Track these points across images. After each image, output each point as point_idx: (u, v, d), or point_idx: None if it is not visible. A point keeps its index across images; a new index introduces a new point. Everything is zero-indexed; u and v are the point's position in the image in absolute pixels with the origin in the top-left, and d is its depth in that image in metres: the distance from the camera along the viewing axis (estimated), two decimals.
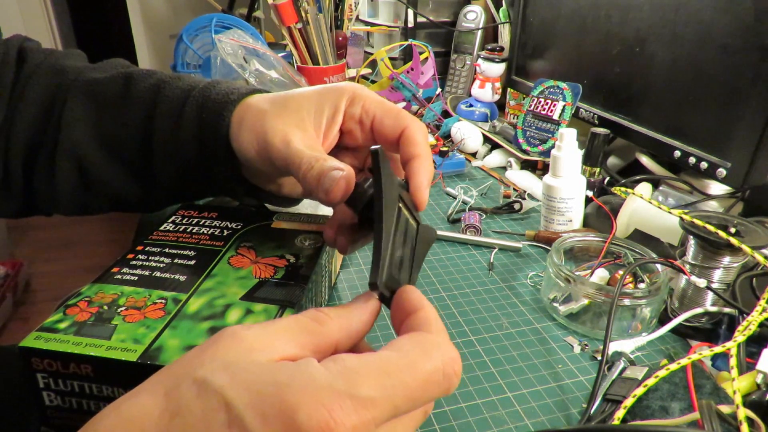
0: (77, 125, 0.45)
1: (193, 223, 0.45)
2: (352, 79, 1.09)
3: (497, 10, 1.06)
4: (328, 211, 0.49)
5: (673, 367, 0.38)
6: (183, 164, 0.44)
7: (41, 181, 0.46)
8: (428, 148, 0.37)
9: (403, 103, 0.95)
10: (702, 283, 0.45)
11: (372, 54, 1.09)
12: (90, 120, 0.45)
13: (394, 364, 0.22)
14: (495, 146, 0.87)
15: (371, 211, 0.30)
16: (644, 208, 0.58)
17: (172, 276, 0.37)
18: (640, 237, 0.57)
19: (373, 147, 0.29)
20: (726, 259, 0.45)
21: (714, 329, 0.46)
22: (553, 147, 0.63)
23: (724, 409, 0.34)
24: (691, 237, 0.46)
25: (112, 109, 0.45)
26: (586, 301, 0.48)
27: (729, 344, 0.38)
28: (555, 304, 0.50)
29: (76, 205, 0.48)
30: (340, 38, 1.00)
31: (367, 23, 1.22)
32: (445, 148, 0.84)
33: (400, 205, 0.31)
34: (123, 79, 0.46)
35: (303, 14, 0.91)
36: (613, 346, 0.44)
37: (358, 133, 0.40)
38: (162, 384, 0.22)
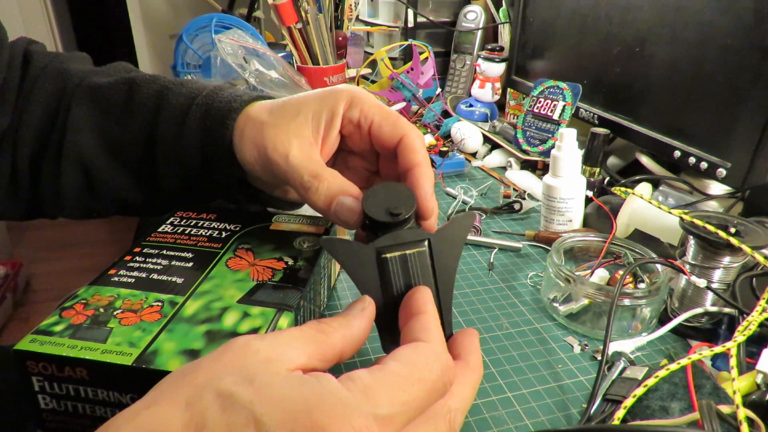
0: (82, 130, 0.45)
1: (192, 224, 0.45)
2: (352, 79, 1.09)
3: (497, 10, 1.06)
4: None
5: (673, 367, 0.38)
6: (187, 171, 0.44)
7: (47, 184, 0.46)
8: (427, 156, 0.37)
9: (403, 103, 0.95)
10: (702, 283, 0.45)
11: (372, 54, 1.09)
12: (95, 125, 0.45)
13: (406, 378, 0.24)
14: (495, 146, 0.87)
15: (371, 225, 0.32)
16: (644, 208, 0.57)
17: (170, 278, 0.37)
18: (640, 237, 0.57)
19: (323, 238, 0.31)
20: (726, 259, 0.45)
21: (714, 329, 0.46)
22: (553, 147, 0.63)
23: (724, 409, 0.34)
24: (691, 237, 0.46)
25: (116, 115, 0.45)
26: (586, 301, 0.48)
27: (729, 344, 0.38)
28: (555, 304, 0.50)
29: (81, 209, 0.48)
30: (340, 38, 1.00)
31: (367, 23, 1.22)
32: (445, 148, 0.83)
33: (387, 255, 0.30)
34: (126, 85, 0.46)
35: (303, 14, 0.91)
36: (613, 346, 0.44)
37: (357, 137, 0.40)
38: (181, 394, 0.22)
